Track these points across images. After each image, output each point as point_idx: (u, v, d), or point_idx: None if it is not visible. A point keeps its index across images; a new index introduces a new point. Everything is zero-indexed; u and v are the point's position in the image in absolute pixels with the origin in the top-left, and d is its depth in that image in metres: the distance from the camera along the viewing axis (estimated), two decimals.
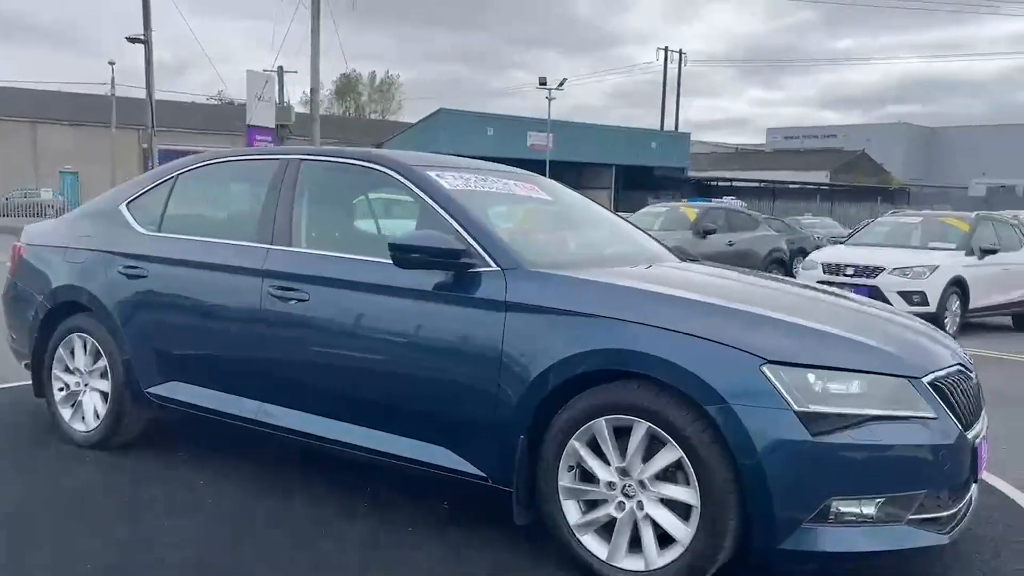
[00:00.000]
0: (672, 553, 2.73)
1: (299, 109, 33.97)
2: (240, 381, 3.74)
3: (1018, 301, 10.80)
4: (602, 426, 2.82)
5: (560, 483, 2.92)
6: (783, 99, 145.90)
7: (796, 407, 2.56)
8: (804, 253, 16.23)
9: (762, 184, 52.19)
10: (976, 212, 11.45)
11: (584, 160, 43.20)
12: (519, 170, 4.33)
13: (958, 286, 9.79)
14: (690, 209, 14.52)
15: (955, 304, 9.79)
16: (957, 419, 2.76)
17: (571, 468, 2.92)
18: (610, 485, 2.84)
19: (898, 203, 50.32)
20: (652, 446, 2.77)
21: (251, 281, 3.68)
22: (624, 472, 2.81)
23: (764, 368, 2.61)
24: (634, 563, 2.80)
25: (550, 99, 36.77)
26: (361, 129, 54.22)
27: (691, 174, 51.84)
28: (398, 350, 3.27)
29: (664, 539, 2.77)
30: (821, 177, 59.89)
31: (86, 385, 4.34)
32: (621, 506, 2.82)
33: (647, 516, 2.77)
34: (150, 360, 4.04)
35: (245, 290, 3.69)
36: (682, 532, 2.70)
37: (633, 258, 3.81)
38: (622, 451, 2.81)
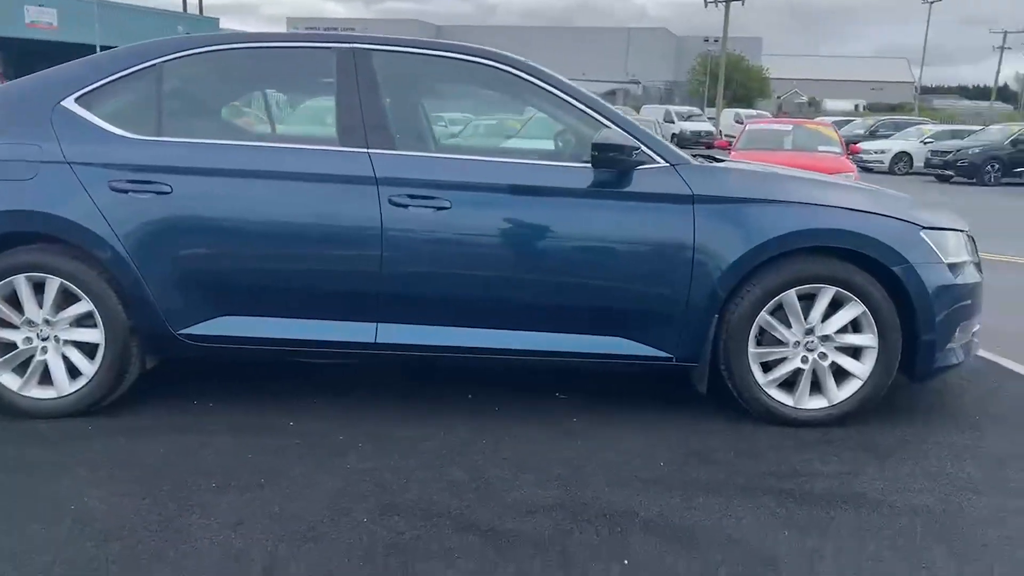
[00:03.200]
0: (850, 388, 3.42)
1: None
2: (347, 303, 3.33)
3: None
4: (792, 296, 3.33)
5: (750, 350, 3.37)
6: None
7: (945, 260, 3.38)
8: None
9: None
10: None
11: (101, 44, 38.13)
12: None
13: None
14: None
15: None
16: None
17: (756, 336, 3.39)
18: (796, 344, 3.39)
19: None
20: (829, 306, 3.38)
21: (359, 190, 3.26)
22: (808, 331, 3.38)
23: (922, 233, 3.37)
24: (817, 402, 3.43)
25: None
26: None
27: None
28: (576, 252, 3.30)
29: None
30: None
31: (45, 339, 3.36)
32: (804, 360, 3.40)
33: (832, 363, 3.40)
34: (186, 296, 3.31)
35: (352, 201, 3.26)
36: (860, 370, 3.40)
37: None
38: (803, 315, 3.37)
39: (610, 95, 57.73)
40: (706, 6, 37.13)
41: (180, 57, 3.43)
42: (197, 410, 3.51)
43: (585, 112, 3.41)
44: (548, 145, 4.00)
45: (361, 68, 3.39)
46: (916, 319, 3.34)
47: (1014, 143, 20.72)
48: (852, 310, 3.36)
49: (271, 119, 3.73)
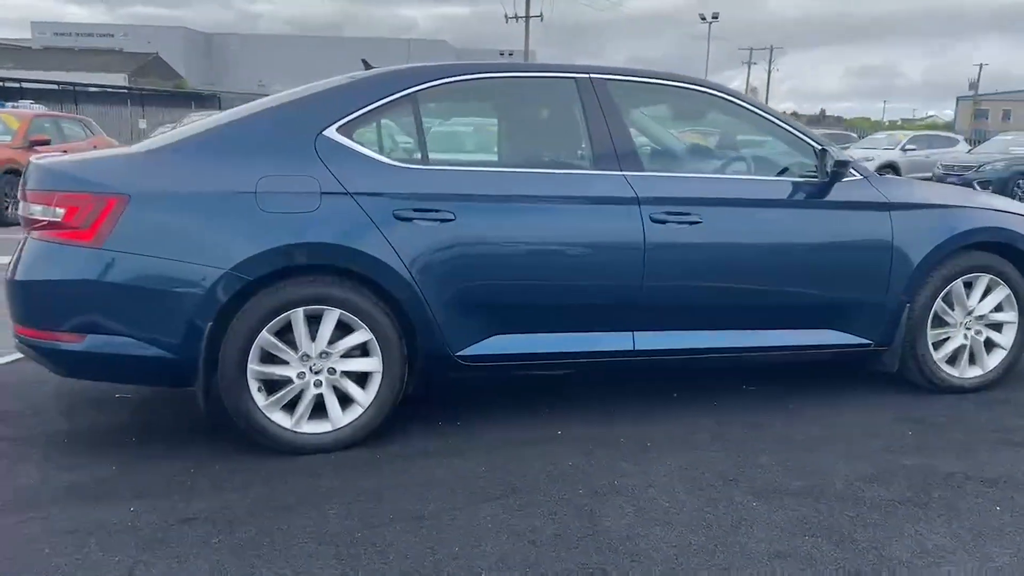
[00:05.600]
0: (996, 357, 4.13)
1: None
2: (608, 315, 3.55)
3: None
4: (959, 284, 4.00)
5: (928, 331, 3.99)
6: None
7: None
8: None
9: (60, 87, 47.42)
10: None
11: None
12: None
13: None
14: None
15: None
16: None
17: (932, 320, 4.01)
18: (959, 325, 4.06)
19: (210, 107, 51.47)
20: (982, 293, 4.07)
21: (623, 210, 3.50)
22: (968, 313, 4.06)
23: None
24: (975, 371, 4.12)
25: None
26: None
27: None
28: (806, 256, 3.74)
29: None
30: (119, 80, 57.18)
31: (317, 372, 3.28)
32: (966, 336, 4.08)
33: (987, 339, 4.10)
34: (465, 318, 3.37)
35: (617, 220, 3.49)
36: (1005, 341, 4.12)
37: None
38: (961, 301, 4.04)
39: None
40: (507, 21, 38.66)
41: (434, 86, 3.48)
42: (452, 431, 3.56)
43: (788, 131, 3.88)
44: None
45: (601, 95, 3.62)
46: None
47: None
48: (1000, 293, 4.08)
49: (524, 146, 3.84)
